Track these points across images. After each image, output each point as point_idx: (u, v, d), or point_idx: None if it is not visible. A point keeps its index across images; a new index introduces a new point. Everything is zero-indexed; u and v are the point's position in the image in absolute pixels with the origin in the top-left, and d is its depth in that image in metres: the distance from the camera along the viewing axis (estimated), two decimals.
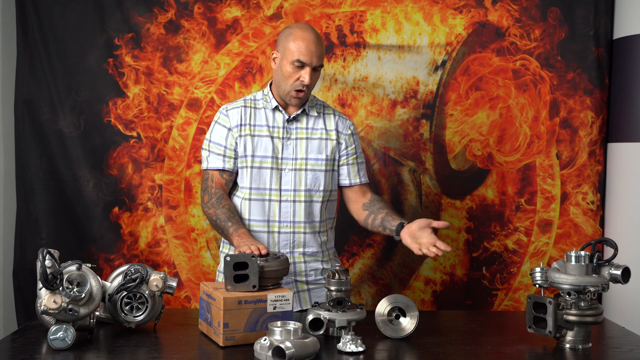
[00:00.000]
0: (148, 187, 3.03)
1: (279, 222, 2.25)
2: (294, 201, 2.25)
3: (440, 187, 3.05)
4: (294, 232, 2.26)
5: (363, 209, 2.34)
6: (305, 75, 2.16)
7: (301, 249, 2.27)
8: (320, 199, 2.29)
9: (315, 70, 2.20)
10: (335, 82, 3.02)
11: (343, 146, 2.33)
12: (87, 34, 2.99)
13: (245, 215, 2.26)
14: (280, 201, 2.25)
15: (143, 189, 3.03)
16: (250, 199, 2.25)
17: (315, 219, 2.29)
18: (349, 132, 2.34)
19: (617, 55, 2.96)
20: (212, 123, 2.32)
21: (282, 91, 2.23)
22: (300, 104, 2.25)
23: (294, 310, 2.23)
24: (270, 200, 2.25)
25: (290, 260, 2.25)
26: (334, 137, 2.31)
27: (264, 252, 1.97)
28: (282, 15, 2.99)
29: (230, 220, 2.18)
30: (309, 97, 2.29)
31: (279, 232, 2.26)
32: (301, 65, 2.16)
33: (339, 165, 2.34)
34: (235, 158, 2.27)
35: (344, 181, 2.36)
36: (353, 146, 2.35)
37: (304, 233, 2.27)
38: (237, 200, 2.29)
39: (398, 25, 3.01)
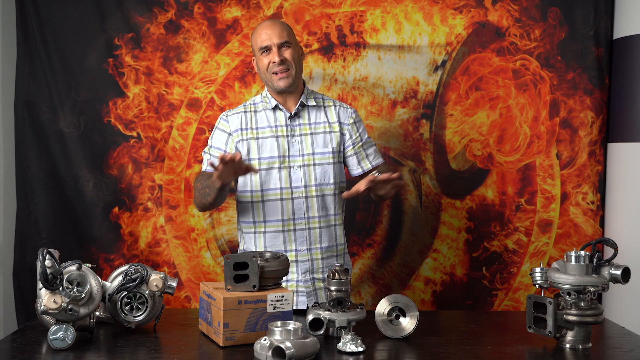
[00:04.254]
0: (148, 187, 3.03)
1: (294, 219, 2.27)
2: (306, 197, 2.27)
3: (440, 187, 3.05)
4: (309, 228, 2.28)
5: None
6: (273, 55, 2.23)
7: (318, 245, 2.29)
8: (332, 192, 2.30)
9: (285, 47, 2.24)
10: (335, 82, 3.02)
11: (347, 137, 2.35)
12: (87, 34, 2.99)
13: (260, 218, 2.27)
14: (292, 199, 2.26)
15: (143, 189, 3.03)
16: (262, 201, 2.27)
17: (329, 213, 2.31)
18: (351, 121, 2.36)
19: (617, 55, 2.96)
20: (213, 129, 2.36)
21: (268, 82, 2.29)
22: (287, 85, 2.25)
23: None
24: (282, 199, 2.26)
25: (308, 258, 2.28)
26: (337, 129, 2.33)
27: (237, 157, 1.93)
28: (282, 15, 2.99)
29: (209, 177, 2.17)
30: (294, 77, 2.27)
31: (294, 230, 2.27)
32: (266, 49, 2.24)
33: (346, 157, 2.36)
34: None
35: (357, 170, 2.37)
36: (357, 134, 2.36)
37: (319, 228, 2.29)
38: (247, 205, 2.30)
39: (398, 25, 3.01)
